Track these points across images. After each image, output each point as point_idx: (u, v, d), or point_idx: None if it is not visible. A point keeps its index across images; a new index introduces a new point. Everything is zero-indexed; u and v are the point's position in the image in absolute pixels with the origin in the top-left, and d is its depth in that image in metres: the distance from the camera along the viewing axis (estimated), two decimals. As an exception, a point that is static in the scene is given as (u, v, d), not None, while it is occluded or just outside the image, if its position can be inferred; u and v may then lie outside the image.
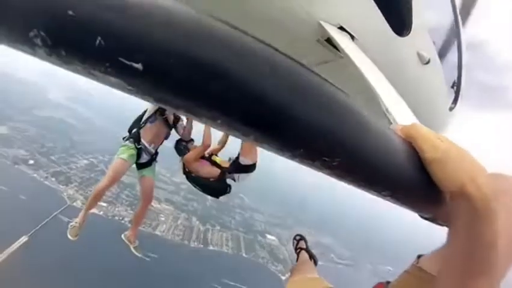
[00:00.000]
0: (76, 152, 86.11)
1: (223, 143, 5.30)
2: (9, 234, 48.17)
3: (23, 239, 49.22)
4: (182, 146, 5.11)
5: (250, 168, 4.75)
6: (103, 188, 4.86)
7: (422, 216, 0.80)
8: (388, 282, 1.10)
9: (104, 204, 66.59)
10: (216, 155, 5.15)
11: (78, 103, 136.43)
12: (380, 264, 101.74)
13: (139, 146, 5.09)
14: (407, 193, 0.61)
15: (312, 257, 3.74)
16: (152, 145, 5.22)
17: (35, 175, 68.03)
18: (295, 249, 4.03)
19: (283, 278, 73.09)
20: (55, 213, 59.11)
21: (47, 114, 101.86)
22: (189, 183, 4.96)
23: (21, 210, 55.40)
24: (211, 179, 4.80)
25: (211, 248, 75.22)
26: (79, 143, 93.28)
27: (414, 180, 0.58)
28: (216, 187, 4.87)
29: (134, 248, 5.51)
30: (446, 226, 0.60)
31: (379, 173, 0.56)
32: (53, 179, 69.68)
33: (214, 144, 5.19)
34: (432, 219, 0.77)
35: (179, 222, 77.80)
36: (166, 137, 5.46)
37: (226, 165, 4.84)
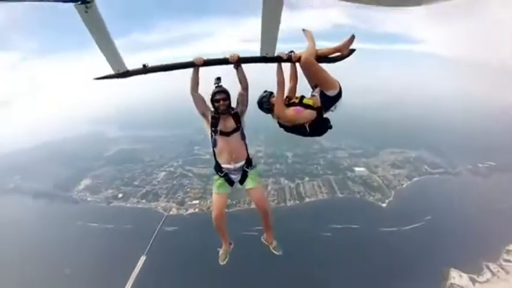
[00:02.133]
0: (152, 170, 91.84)
1: (294, 77, 5.16)
2: (131, 260, 53.10)
3: (142, 258, 53.89)
4: (264, 103, 4.93)
5: (339, 95, 4.65)
6: (215, 220, 5.06)
7: None
8: None
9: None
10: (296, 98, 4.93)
11: (132, 128, 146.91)
12: (479, 163, 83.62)
13: (222, 174, 5.06)
14: None
15: None
16: (232, 162, 5.00)
17: (128, 205, 74.50)
18: None
19: (383, 205, 67.94)
20: (158, 226, 63.83)
21: (113, 151, 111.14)
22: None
23: (139, 237, 60.49)
24: (310, 122, 4.70)
25: (307, 200, 72.97)
26: (150, 160, 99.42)
27: None
28: (318, 126, 4.74)
29: (273, 248, 5.78)
30: None
31: None
32: (144, 200, 75.42)
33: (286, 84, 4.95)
34: None
35: (269, 188, 76.73)
36: (239, 131, 5.04)
37: (319, 103, 4.67)
